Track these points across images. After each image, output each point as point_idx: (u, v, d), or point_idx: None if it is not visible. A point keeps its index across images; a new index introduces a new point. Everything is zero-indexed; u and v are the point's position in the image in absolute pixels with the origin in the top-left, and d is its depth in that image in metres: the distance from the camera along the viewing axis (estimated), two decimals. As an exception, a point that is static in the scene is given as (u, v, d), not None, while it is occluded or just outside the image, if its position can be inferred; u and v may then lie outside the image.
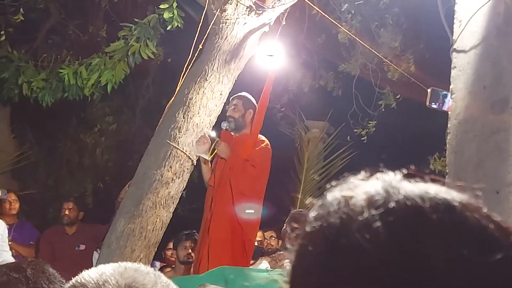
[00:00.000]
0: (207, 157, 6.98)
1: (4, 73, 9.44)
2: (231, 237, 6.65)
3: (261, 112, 6.95)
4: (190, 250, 7.60)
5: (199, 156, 7.07)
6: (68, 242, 8.56)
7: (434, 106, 4.70)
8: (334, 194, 0.87)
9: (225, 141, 6.89)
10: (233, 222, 6.67)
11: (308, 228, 0.85)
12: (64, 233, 8.66)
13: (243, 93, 7.18)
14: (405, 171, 0.89)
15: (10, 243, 8.35)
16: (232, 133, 7.01)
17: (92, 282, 1.26)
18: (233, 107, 7.01)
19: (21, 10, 9.28)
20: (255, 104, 7.02)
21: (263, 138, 6.93)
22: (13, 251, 8.37)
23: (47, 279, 2.22)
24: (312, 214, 0.86)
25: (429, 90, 4.72)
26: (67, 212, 8.64)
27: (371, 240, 0.79)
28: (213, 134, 7.02)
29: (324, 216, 0.84)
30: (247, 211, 6.66)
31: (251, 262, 7.81)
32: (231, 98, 7.22)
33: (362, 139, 10.48)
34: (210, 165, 7.04)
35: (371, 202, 0.83)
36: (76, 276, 1.31)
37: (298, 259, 0.86)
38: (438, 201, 0.82)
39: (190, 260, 7.49)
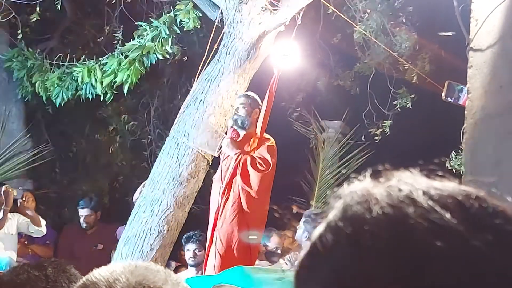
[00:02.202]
0: (215, 153, 6.99)
1: (19, 72, 9.49)
2: (238, 233, 6.67)
3: (267, 110, 6.94)
4: (192, 253, 7.66)
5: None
6: (87, 241, 8.61)
7: (450, 100, 4.69)
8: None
9: (232, 138, 6.89)
10: (241, 219, 6.69)
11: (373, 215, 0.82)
12: (84, 231, 8.71)
13: (250, 93, 7.18)
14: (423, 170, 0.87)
15: (26, 242, 8.40)
16: (238, 130, 7.00)
17: (103, 280, 1.26)
18: (240, 105, 7.00)
19: (38, 9, 9.30)
20: (261, 103, 7.01)
21: (268, 136, 6.93)
22: (29, 250, 8.41)
23: (68, 279, 2.22)
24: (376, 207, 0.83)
25: (445, 84, 4.72)
26: (84, 219, 8.68)
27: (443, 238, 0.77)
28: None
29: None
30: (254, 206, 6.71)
31: (268, 264, 7.81)
32: (238, 96, 7.20)
33: (375, 138, 10.44)
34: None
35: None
36: (87, 274, 1.31)
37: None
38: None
39: (193, 262, 7.58)
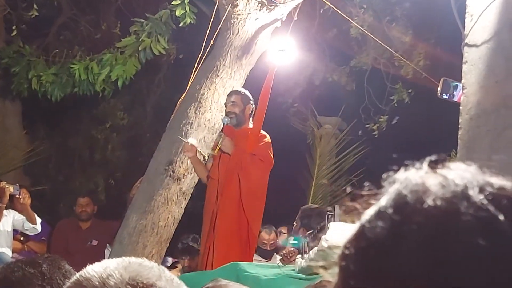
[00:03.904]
0: (213, 152, 6.97)
1: (15, 68, 9.47)
2: (237, 231, 6.67)
3: (263, 106, 6.93)
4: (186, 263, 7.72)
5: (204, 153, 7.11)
6: (82, 236, 8.58)
7: (445, 96, 4.69)
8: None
9: (228, 136, 6.88)
10: (240, 216, 6.68)
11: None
12: (78, 227, 8.69)
13: (240, 89, 7.17)
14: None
15: (22, 238, 8.39)
16: (233, 128, 6.99)
17: (96, 276, 1.26)
18: (231, 103, 6.95)
19: (35, 5, 9.30)
20: (252, 98, 7.00)
21: (264, 132, 6.93)
22: (25, 247, 8.41)
23: (63, 275, 2.22)
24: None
25: (441, 80, 4.72)
26: (83, 208, 8.65)
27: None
28: (194, 141, 6.97)
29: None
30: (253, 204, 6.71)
31: (265, 261, 7.81)
32: (227, 94, 7.17)
33: (374, 133, 10.44)
34: (203, 164, 7.05)
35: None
36: (81, 271, 1.31)
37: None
38: None
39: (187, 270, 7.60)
